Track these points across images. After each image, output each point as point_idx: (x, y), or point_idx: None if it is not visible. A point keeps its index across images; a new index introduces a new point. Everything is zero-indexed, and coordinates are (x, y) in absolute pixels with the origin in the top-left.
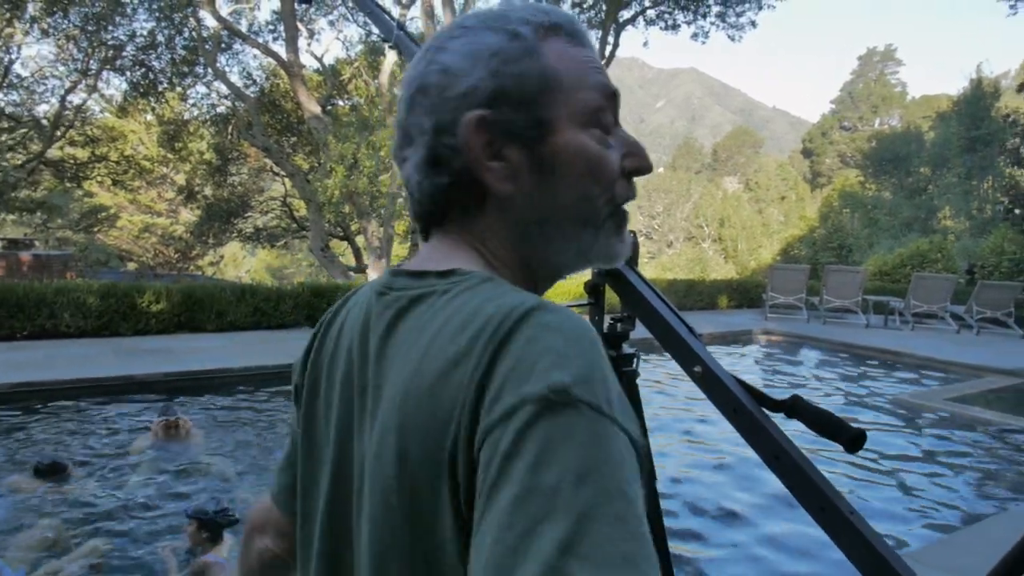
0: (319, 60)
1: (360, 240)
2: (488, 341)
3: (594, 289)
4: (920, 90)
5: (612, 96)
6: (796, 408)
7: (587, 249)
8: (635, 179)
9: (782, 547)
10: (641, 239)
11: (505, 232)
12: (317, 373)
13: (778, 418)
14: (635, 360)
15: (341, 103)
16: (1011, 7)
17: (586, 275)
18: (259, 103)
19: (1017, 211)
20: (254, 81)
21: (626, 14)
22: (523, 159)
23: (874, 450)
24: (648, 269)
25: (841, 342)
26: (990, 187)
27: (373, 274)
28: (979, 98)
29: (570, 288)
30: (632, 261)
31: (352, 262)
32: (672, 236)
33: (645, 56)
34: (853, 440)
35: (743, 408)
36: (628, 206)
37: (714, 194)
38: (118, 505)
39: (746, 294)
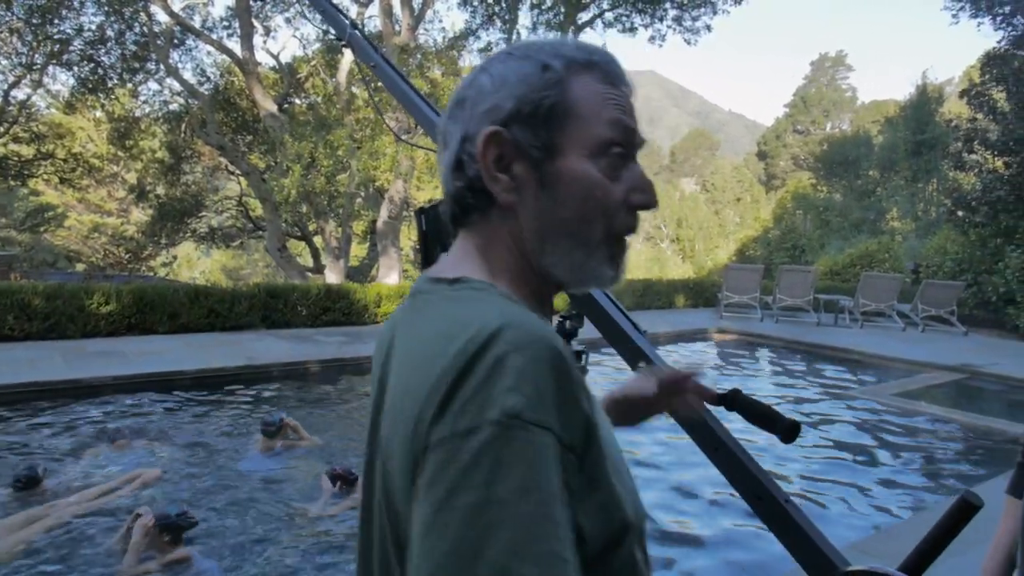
0: (275, 58)
1: (318, 240)
2: (458, 354)
3: None
4: (869, 95)
5: (629, 133)
6: (735, 401)
7: (577, 268)
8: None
9: (723, 536)
10: None
11: (509, 240)
12: None
13: (724, 412)
14: (584, 357)
15: (298, 101)
16: (953, 16)
17: None
18: (213, 101)
19: (959, 213)
20: (208, 78)
21: (584, 16)
22: (529, 175)
23: (823, 444)
24: None
25: (793, 340)
26: (934, 190)
27: (331, 275)
28: (924, 104)
29: None
30: None
31: (310, 262)
32: (632, 236)
33: None
34: (788, 430)
35: None
36: None
37: (672, 195)
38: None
39: (702, 293)
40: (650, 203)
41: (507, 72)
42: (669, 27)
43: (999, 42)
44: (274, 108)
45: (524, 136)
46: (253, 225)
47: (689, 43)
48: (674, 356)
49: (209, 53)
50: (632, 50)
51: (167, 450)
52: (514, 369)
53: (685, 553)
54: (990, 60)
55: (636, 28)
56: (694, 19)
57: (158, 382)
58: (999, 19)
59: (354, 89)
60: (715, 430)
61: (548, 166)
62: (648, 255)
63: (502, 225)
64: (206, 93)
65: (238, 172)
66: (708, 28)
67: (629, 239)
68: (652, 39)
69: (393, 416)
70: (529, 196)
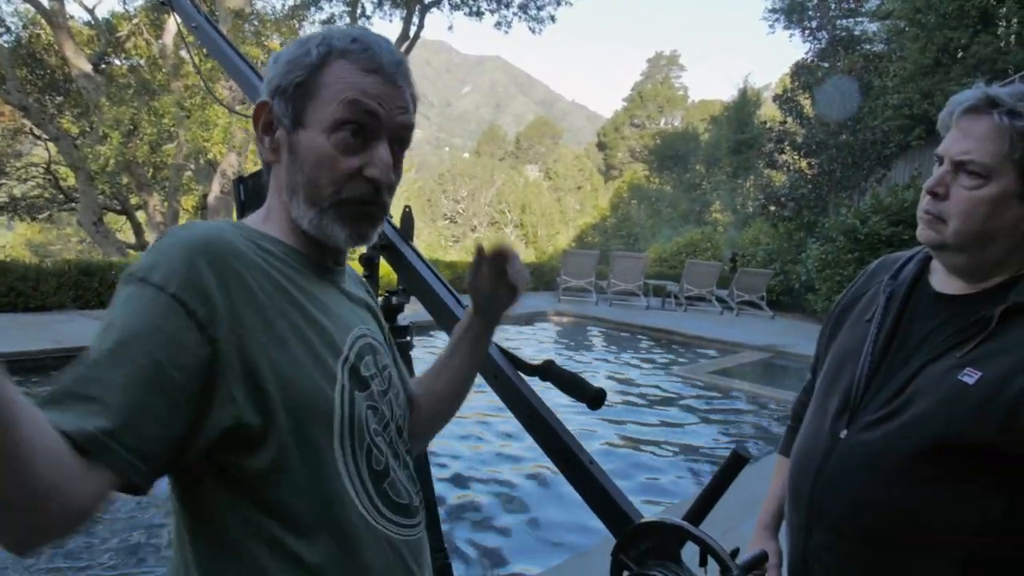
0: (90, 12)
1: (141, 215)
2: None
3: (368, 262)
4: (699, 95)
5: (365, 114)
6: (548, 372)
7: (315, 224)
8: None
9: (539, 500)
10: (445, 223)
11: (276, 192)
12: None
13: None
14: (409, 332)
15: (118, 62)
16: (770, 26)
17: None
18: (14, 55)
19: (771, 208)
20: (7, 28)
21: None
22: (284, 140)
23: (647, 417)
24: (452, 252)
25: (624, 322)
26: (751, 186)
27: None
28: (744, 106)
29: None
30: (407, 235)
31: (132, 238)
32: (476, 220)
33: (453, 41)
34: (594, 398)
35: (502, 373)
36: (432, 189)
37: (516, 181)
38: None
39: (542, 277)
40: (379, 178)
41: (285, 53)
42: (515, 14)
43: (806, 53)
44: (89, 68)
45: (280, 108)
46: (64, 196)
47: (534, 31)
48: (507, 334)
49: (8, 1)
50: (480, 34)
51: None
52: (156, 249)
53: (506, 516)
54: (799, 69)
55: (483, 12)
56: (539, 8)
57: None
58: (807, 32)
59: (183, 53)
60: (529, 399)
61: (295, 135)
62: (493, 240)
63: (273, 179)
64: (5, 46)
65: (45, 136)
66: (552, 19)
67: (370, 208)
68: (498, 25)
69: None
70: (284, 158)
